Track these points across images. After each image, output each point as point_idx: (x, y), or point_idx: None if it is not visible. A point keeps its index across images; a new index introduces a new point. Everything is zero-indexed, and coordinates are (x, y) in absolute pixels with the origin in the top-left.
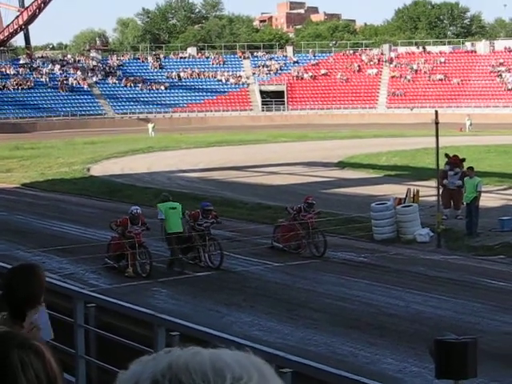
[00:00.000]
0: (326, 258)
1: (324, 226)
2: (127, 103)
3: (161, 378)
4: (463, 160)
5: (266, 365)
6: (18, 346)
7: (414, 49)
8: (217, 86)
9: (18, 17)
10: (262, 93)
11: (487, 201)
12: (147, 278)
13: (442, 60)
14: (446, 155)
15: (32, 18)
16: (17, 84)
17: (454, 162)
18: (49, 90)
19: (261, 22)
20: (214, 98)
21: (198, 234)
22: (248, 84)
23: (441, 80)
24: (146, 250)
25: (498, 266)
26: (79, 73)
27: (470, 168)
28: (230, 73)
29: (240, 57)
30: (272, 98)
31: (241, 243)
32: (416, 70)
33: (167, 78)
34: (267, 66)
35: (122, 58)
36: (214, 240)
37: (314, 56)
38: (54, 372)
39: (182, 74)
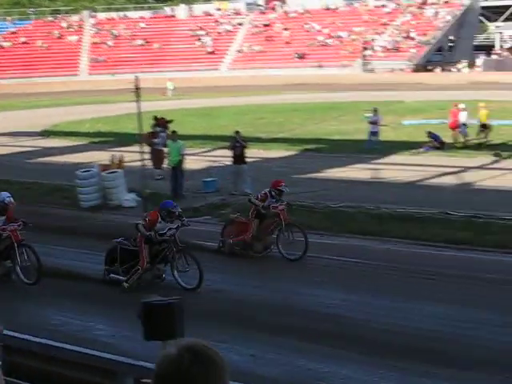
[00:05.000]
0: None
1: (31, 197)
2: None
3: None
4: (170, 121)
5: None
6: None
7: (114, 15)
8: None
9: None
10: None
11: (192, 163)
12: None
13: (143, 25)
14: (155, 117)
15: None
16: None
17: (162, 123)
18: None
19: None
20: None
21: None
22: None
23: (142, 45)
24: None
25: (204, 226)
26: None
27: (173, 132)
28: None
29: None
30: None
31: None
32: (117, 36)
33: None
34: None
35: None
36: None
37: (13, 24)
38: None
39: None
